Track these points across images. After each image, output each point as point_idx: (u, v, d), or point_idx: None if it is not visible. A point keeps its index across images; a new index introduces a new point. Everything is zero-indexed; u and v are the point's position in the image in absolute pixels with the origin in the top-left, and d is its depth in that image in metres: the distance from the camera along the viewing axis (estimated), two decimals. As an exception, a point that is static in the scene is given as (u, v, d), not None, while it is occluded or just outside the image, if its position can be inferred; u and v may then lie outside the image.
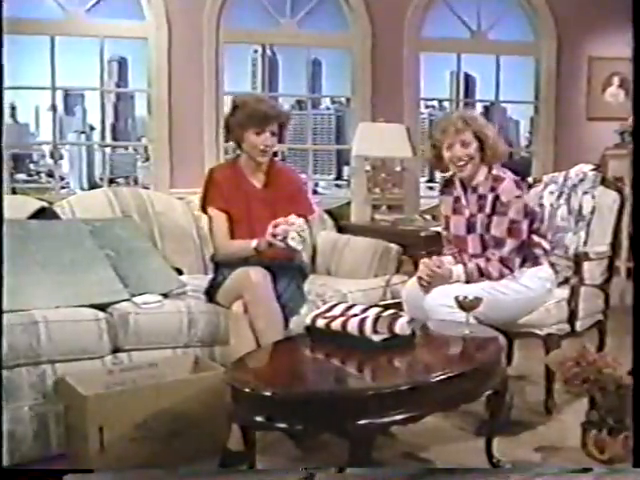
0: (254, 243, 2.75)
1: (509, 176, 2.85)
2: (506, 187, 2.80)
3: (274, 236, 2.66)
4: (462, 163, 2.84)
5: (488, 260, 2.81)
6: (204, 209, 3.00)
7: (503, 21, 5.05)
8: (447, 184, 3.03)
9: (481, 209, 2.86)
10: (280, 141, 3.03)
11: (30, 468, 2.41)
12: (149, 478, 2.35)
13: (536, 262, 2.90)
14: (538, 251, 2.92)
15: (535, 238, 2.91)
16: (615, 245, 3.18)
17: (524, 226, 2.82)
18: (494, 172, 2.85)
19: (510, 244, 2.80)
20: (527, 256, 2.87)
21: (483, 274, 2.81)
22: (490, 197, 2.82)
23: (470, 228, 2.90)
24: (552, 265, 2.99)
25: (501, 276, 2.80)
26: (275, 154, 3.23)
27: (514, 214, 2.79)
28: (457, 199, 2.95)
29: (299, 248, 2.68)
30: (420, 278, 2.85)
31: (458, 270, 2.83)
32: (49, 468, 2.39)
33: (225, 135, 3.06)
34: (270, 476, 2.33)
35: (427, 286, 2.81)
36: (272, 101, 3.17)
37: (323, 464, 2.45)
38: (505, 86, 5.17)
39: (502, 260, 2.80)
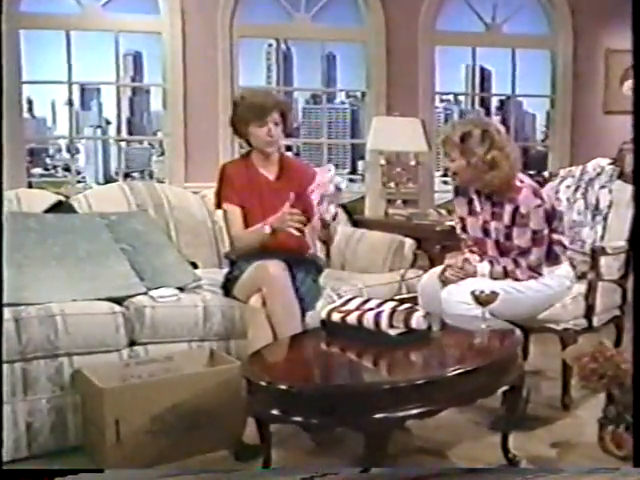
0: (267, 229, 2.77)
1: (527, 184, 2.77)
2: (525, 198, 2.72)
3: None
4: (450, 173, 2.86)
5: (516, 264, 2.79)
6: (219, 205, 3.03)
7: (518, 14, 5.01)
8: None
9: (495, 217, 2.81)
10: (286, 130, 3.03)
11: (30, 468, 2.42)
12: (158, 474, 2.36)
13: (556, 261, 2.86)
14: (558, 249, 2.86)
15: (555, 236, 2.85)
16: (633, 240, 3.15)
17: (546, 232, 2.79)
18: (510, 182, 2.76)
19: (536, 252, 2.77)
20: (548, 255, 2.83)
21: (508, 276, 2.79)
22: (508, 208, 2.75)
23: (486, 232, 2.87)
24: (569, 260, 2.96)
25: (529, 279, 2.79)
26: (289, 148, 3.25)
27: (536, 224, 2.74)
28: (471, 201, 2.92)
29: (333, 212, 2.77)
30: (444, 276, 2.83)
31: (483, 269, 2.81)
32: (49, 468, 2.40)
33: (232, 133, 3.08)
34: (279, 473, 2.34)
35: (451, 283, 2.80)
36: (269, 92, 3.29)
37: (339, 459, 2.46)
38: (521, 80, 5.14)
39: (530, 267, 2.78)
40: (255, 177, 2.99)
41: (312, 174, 3.07)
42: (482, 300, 2.42)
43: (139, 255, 2.95)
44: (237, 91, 4.45)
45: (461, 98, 6.56)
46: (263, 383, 2.02)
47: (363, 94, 5.03)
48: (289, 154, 4.70)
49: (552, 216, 2.83)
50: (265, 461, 2.30)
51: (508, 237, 2.79)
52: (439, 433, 2.62)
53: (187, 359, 2.68)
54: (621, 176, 3.17)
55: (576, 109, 5.08)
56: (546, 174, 3.47)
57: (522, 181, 2.78)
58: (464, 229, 2.98)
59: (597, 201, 3.17)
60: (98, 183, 6.34)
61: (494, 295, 2.42)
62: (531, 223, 2.73)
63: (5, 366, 2.40)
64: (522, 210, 2.73)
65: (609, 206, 3.12)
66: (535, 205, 2.73)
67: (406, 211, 4.26)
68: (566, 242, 2.93)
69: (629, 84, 5.12)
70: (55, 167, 6.51)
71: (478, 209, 2.88)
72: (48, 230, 2.87)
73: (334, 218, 2.82)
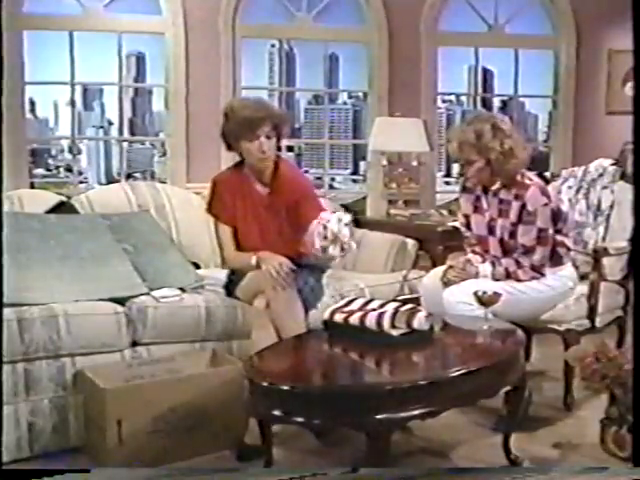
0: (253, 260, 2.81)
1: (535, 182, 2.77)
2: (532, 195, 2.73)
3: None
4: (466, 177, 2.86)
5: (518, 264, 2.78)
6: (210, 213, 3.07)
7: (521, 14, 5.01)
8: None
9: (501, 214, 2.81)
10: (279, 141, 2.93)
11: (30, 468, 2.42)
12: (160, 474, 2.36)
13: (559, 262, 2.85)
14: (562, 250, 2.86)
15: (559, 237, 2.84)
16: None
17: (551, 231, 2.78)
18: (518, 178, 2.77)
19: (540, 252, 2.77)
20: (551, 256, 2.82)
21: (510, 277, 2.79)
22: (515, 205, 2.75)
23: (490, 230, 2.87)
24: (572, 261, 2.96)
25: (531, 280, 2.78)
26: (291, 149, 3.22)
27: (542, 223, 2.74)
28: (478, 198, 2.92)
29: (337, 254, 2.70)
30: (446, 277, 2.83)
31: (485, 270, 2.80)
32: (49, 468, 2.40)
33: (225, 146, 2.97)
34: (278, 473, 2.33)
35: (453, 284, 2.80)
36: (261, 103, 2.97)
37: (341, 459, 2.46)
38: (523, 80, 5.13)
39: (533, 267, 2.78)
40: (249, 193, 2.94)
41: (307, 185, 3.03)
42: (485, 301, 2.42)
43: (141, 255, 2.95)
44: (239, 92, 4.46)
45: (463, 99, 6.56)
46: (265, 384, 2.02)
47: (365, 94, 5.03)
48: (288, 156, 4.63)
49: (558, 216, 2.83)
50: (267, 461, 2.30)
51: (513, 235, 2.79)
52: (441, 434, 2.62)
53: (189, 359, 2.69)
54: (623, 177, 3.17)
55: (578, 110, 5.08)
56: (548, 175, 3.46)
57: (530, 179, 2.79)
58: (468, 226, 2.98)
59: (599, 202, 3.17)
60: (100, 183, 6.34)
61: (497, 296, 2.42)
62: (538, 221, 2.73)
63: (8, 366, 2.40)
64: (529, 207, 2.73)
65: (611, 206, 3.12)
66: (542, 203, 2.74)
67: (408, 212, 4.25)
68: (570, 244, 2.93)
69: (631, 84, 5.11)
70: (57, 168, 6.50)
71: (485, 206, 2.88)
72: (50, 231, 2.88)
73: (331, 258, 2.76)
